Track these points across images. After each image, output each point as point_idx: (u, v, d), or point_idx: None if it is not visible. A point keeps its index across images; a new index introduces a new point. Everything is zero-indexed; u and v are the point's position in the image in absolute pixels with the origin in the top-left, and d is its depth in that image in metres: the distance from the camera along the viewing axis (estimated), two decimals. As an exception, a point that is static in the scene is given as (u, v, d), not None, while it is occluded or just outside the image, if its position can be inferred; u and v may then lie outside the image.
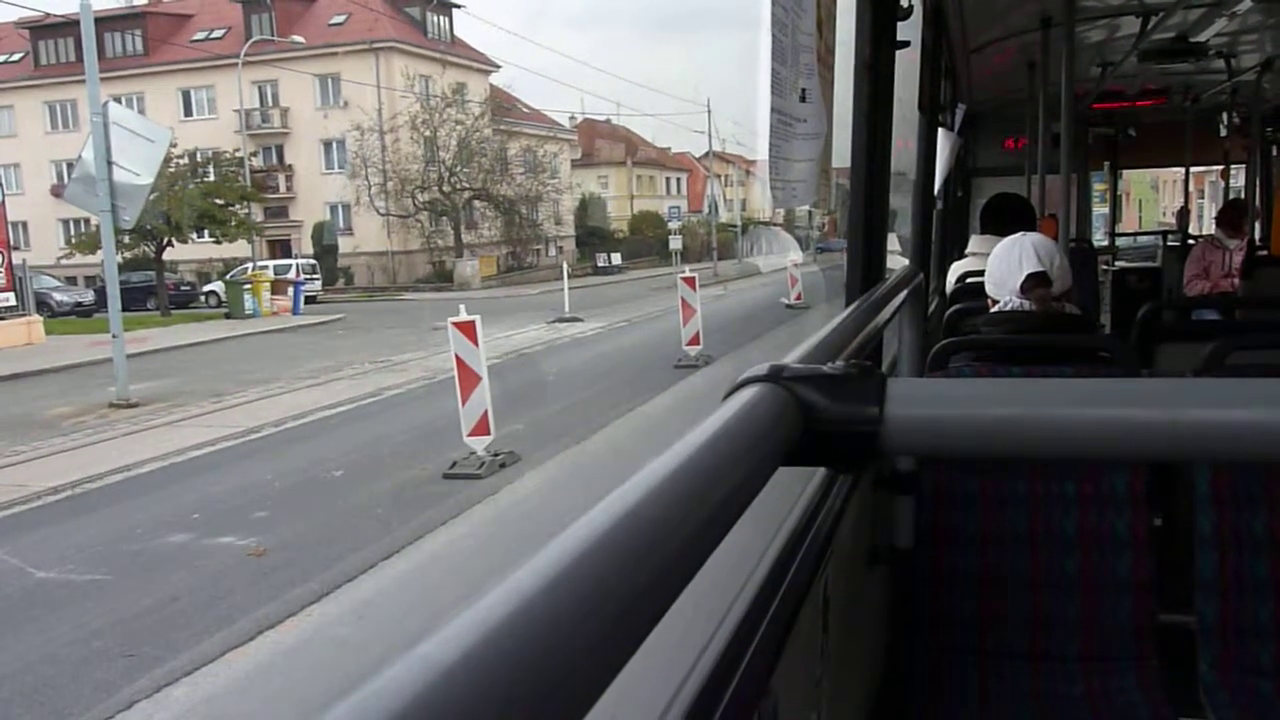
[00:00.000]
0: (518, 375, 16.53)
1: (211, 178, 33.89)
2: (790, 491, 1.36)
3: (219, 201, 33.29)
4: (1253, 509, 2.20)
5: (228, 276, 33.41)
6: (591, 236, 52.73)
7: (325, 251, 41.96)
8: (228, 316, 30.16)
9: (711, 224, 50.28)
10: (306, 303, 35.52)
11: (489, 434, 9.95)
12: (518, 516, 8.53)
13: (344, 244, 43.90)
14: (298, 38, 40.00)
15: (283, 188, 44.72)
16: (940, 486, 2.35)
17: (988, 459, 2.24)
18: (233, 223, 33.80)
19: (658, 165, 65.19)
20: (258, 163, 43.18)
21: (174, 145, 32.56)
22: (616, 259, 48.81)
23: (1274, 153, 8.56)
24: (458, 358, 9.92)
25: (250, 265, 35.52)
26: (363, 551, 7.69)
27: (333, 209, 44.31)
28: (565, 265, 26.95)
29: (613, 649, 0.38)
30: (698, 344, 16.38)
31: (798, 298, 25.43)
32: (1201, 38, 5.36)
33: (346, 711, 0.27)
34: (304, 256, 39.97)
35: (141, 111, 45.38)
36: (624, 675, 0.39)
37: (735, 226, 56.02)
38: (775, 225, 52.36)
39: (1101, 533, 2.28)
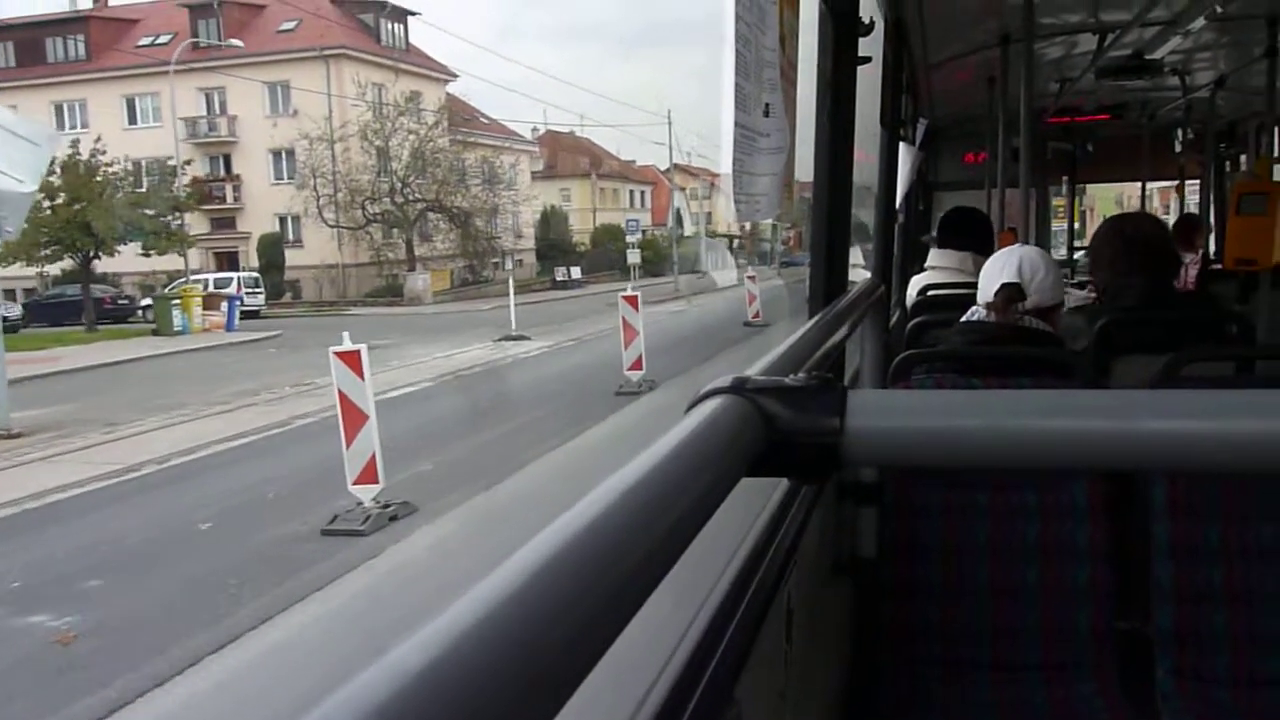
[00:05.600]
0: (441, 403, 15.23)
1: (144, 188, 31.87)
2: (754, 503, 1.32)
3: (149, 212, 31.34)
4: (1208, 519, 2.24)
5: (154, 292, 31.50)
6: (553, 249, 51.48)
7: (271, 265, 40.24)
8: (155, 333, 28.43)
9: (673, 238, 48.95)
10: (248, 318, 34.05)
11: (377, 482, 8.52)
12: (396, 587, 6.71)
13: (294, 256, 42.39)
14: (235, 41, 38.29)
15: (230, 198, 43.00)
16: (903, 497, 2.38)
17: (947, 470, 2.26)
18: (163, 234, 31.85)
19: (621, 178, 64.06)
20: (201, 171, 41.51)
21: (103, 153, 30.92)
22: (576, 273, 47.50)
23: (1227, 168, 8.65)
24: (340, 393, 8.55)
25: (187, 278, 33.84)
26: (192, 640, 6.22)
27: (282, 220, 42.79)
28: (512, 280, 25.47)
29: (578, 657, 0.39)
30: (640, 369, 15.04)
31: (755, 316, 24.23)
32: (1157, 55, 5.46)
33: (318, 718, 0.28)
34: (245, 270, 38.27)
35: (84, 120, 43.72)
36: (589, 684, 0.40)
37: (699, 240, 55.01)
38: (720, 237, 51.32)
39: (1061, 542, 2.31)
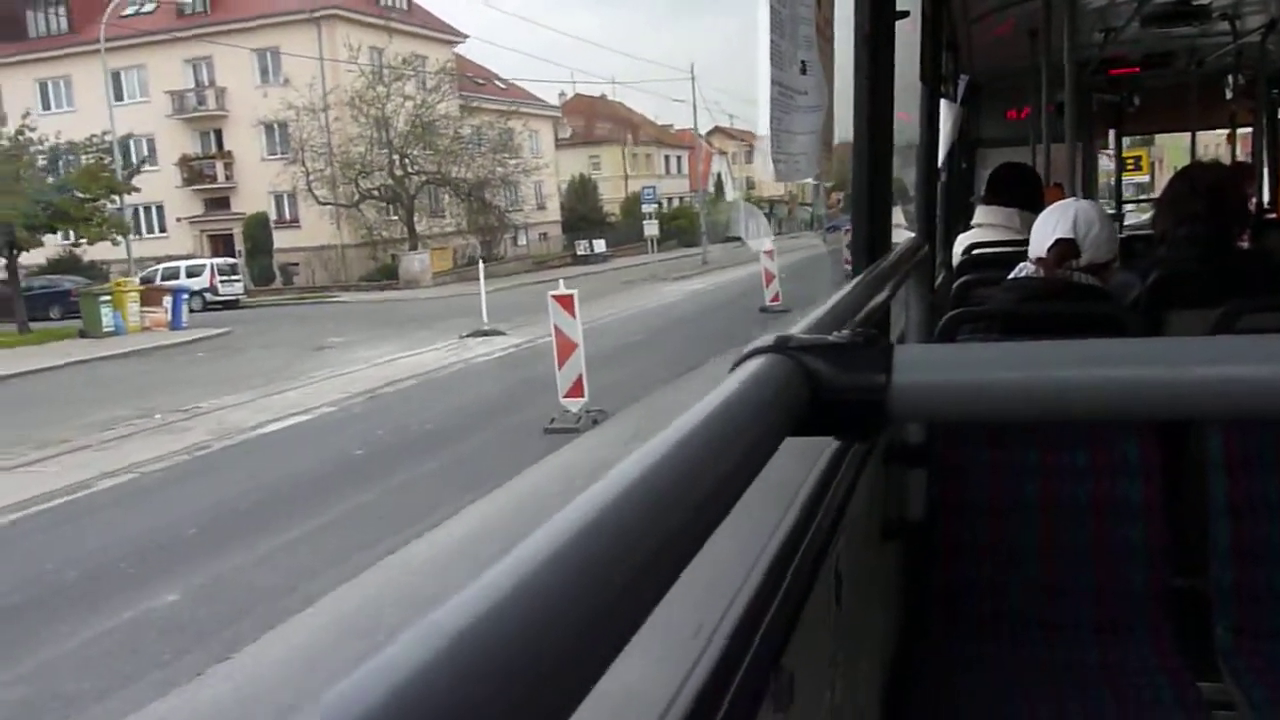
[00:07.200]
0: (308, 451, 11.17)
1: (68, 170, 27.95)
2: (800, 468, 1.28)
3: (81, 196, 27.39)
4: (1265, 473, 2.23)
5: (83, 286, 27.82)
6: (582, 221, 47.42)
7: (258, 248, 36.52)
8: (82, 335, 24.71)
9: (703, 204, 44.35)
10: (226, 308, 30.29)
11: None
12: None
13: (290, 238, 39.43)
14: (186, -1, 34.57)
15: (221, 176, 39.35)
16: (951, 458, 2.36)
17: (997, 425, 2.29)
18: (95, 220, 27.92)
19: (656, 143, 59.49)
20: (190, 149, 37.90)
21: (33, 129, 27.30)
22: (600, 246, 43.27)
23: None
24: None
25: (159, 268, 30.23)
26: None
27: (276, 199, 39.14)
28: (481, 262, 21.25)
29: (620, 622, 0.38)
30: (580, 395, 10.78)
31: (775, 299, 20.20)
32: (1204, 0, 5.35)
33: (364, 676, 0.28)
34: (218, 256, 34.62)
35: (70, 99, 40.24)
36: (635, 650, 0.40)
37: (737, 206, 50.56)
38: (761, 202, 46.86)
39: (1114, 500, 2.30)
